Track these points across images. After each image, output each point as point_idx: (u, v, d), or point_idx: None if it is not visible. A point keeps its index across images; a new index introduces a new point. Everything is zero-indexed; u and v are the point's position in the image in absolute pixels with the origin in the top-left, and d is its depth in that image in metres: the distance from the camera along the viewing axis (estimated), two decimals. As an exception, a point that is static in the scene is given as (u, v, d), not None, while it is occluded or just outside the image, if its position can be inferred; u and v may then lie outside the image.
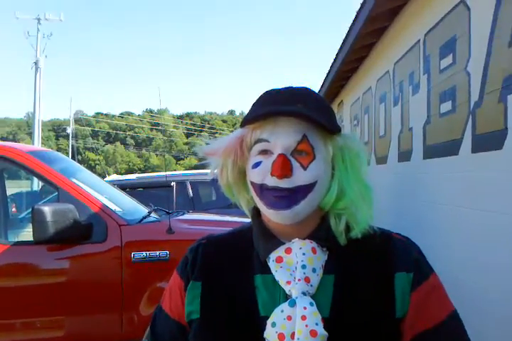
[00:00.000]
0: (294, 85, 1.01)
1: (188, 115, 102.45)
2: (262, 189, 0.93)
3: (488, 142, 2.46)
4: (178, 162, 78.47)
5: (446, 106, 3.12)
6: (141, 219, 3.34)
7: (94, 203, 3.17)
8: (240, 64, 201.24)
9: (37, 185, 8.15)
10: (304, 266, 0.91)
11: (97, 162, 72.57)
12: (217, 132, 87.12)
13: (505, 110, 2.28)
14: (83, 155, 74.12)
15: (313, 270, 0.91)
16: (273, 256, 0.95)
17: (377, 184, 5.08)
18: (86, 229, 3.02)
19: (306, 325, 0.86)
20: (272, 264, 0.95)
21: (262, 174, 0.93)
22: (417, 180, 3.71)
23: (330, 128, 0.93)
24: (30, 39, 23.86)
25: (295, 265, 0.92)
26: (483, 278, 2.40)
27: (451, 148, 2.98)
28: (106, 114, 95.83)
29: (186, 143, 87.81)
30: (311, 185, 0.91)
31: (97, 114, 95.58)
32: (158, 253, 3.08)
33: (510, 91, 2.33)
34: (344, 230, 0.96)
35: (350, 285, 0.93)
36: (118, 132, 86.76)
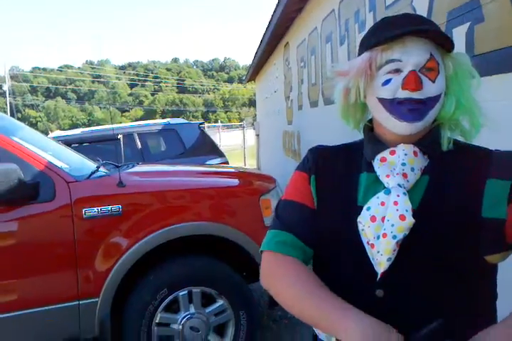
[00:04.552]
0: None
1: (131, 65, 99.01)
2: (392, 103, 1.04)
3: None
4: (123, 114, 76.33)
5: (393, 43, 3.08)
6: (90, 175, 3.22)
7: (39, 161, 3.02)
8: (182, 9, 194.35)
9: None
10: (403, 164, 1.05)
11: (39, 119, 69.86)
12: (161, 81, 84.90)
13: (451, 44, 2.26)
14: (23, 112, 70.99)
15: (412, 169, 1.05)
16: (378, 156, 1.09)
17: (325, 125, 5.09)
18: (32, 188, 2.88)
19: (397, 210, 1.00)
20: (376, 163, 1.09)
21: (393, 89, 1.03)
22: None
23: (452, 45, 1.05)
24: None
25: (397, 164, 1.06)
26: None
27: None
28: (44, 69, 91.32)
29: (130, 94, 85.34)
30: (438, 97, 1.04)
31: (35, 68, 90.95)
32: (110, 207, 2.99)
33: (455, 24, 2.31)
34: (448, 141, 1.09)
35: (442, 185, 1.05)
36: (58, 86, 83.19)
